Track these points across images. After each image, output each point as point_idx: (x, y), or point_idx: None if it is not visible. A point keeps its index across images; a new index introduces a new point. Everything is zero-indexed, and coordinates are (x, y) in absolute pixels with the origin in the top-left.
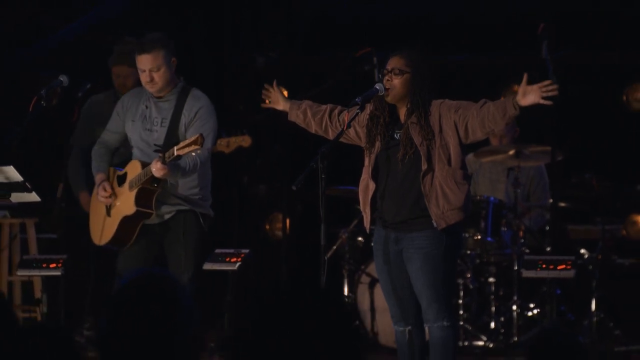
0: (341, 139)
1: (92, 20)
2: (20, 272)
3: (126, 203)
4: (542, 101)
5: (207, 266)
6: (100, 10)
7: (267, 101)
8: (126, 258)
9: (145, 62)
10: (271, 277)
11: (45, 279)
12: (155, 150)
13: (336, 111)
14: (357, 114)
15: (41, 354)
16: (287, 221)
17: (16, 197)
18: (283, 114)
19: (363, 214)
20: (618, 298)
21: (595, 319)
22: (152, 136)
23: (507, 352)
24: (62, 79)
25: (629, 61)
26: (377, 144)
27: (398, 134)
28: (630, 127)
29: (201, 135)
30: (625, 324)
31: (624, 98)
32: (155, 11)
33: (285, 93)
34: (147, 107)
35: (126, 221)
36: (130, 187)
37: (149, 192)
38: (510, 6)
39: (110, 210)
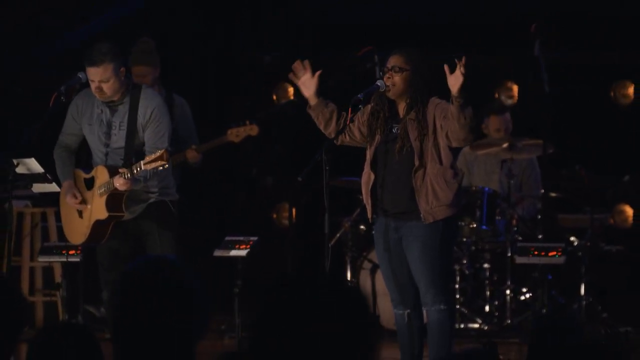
0: (347, 142)
1: (106, 21)
2: (41, 258)
3: (98, 208)
4: (460, 76)
5: (218, 253)
6: (112, 11)
7: (297, 75)
8: (104, 252)
9: (94, 74)
10: (278, 263)
11: (65, 264)
12: (125, 165)
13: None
14: (359, 109)
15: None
16: (293, 210)
17: (37, 188)
18: (287, 112)
19: (365, 204)
20: (606, 283)
21: (584, 302)
22: (112, 139)
23: (501, 334)
24: (80, 76)
25: (616, 60)
26: (377, 137)
27: (396, 128)
28: (617, 122)
29: (166, 150)
30: (612, 307)
31: (612, 94)
32: (165, 11)
33: (291, 90)
34: (102, 112)
35: (99, 224)
36: (100, 193)
37: (118, 196)
38: (505, 8)
39: (82, 212)
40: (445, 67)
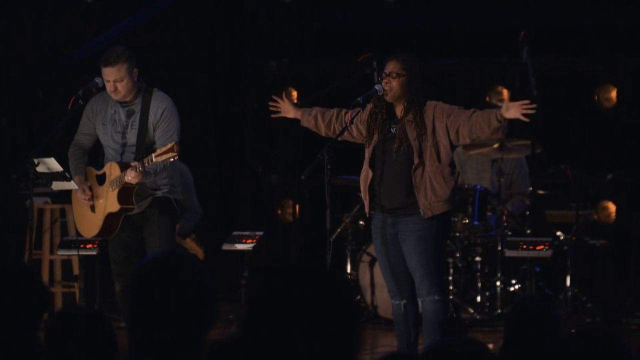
0: (346, 138)
1: (119, 30)
2: (60, 252)
3: (110, 201)
4: (521, 117)
5: (226, 246)
6: (125, 21)
7: (277, 112)
8: (115, 246)
9: (109, 74)
10: (282, 256)
11: (83, 258)
12: (136, 158)
13: (342, 113)
14: (359, 111)
15: (79, 336)
16: (297, 207)
17: (57, 185)
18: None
19: (363, 200)
20: (590, 275)
21: (569, 293)
22: (124, 138)
23: (491, 323)
24: (97, 80)
25: (600, 65)
26: (375, 137)
27: (394, 129)
28: (600, 123)
29: (176, 143)
30: (596, 298)
31: (595, 97)
32: (179, 20)
33: (295, 93)
34: (115, 112)
35: (111, 216)
36: (112, 187)
37: (129, 190)
38: (495, 18)
39: (94, 207)
40: (506, 93)
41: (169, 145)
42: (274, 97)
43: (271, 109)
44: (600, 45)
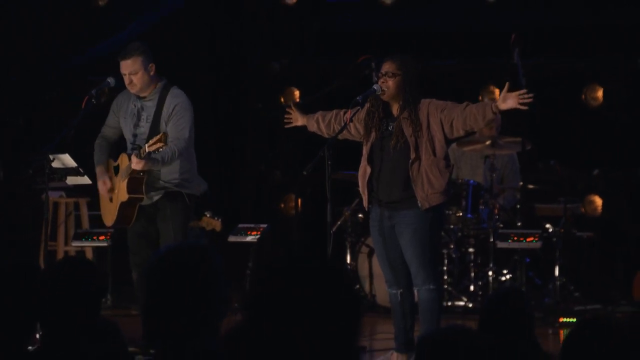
0: (346, 136)
1: (128, 33)
2: (74, 243)
3: (121, 191)
4: (519, 106)
5: (232, 239)
6: (133, 24)
7: (289, 123)
8: (131, 236)
9: (125, 66)
10: (285, 248)
11: (96, 249)
12: (133, 148)
13: (340, 113)
14: (358, 110)
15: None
16: (299, 201)
17: (71, 180)
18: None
19: (362, 194)
20: (577, 265)
21: (558, 283)
22: (140, 131)
23: None
24: (109, 80)
25: (587, 66)
26: (373, 135)
27: (391, 126)
28: (588, 121)
29: (164, 133)
30: (583, 287)
31: (583, 97)
32: (186, 23)
33: (297, 93)
34: (135, 106)
35: (124, 206)
36: (122, 178)
37: (138, 180)
38: (495, 18)
39: (111, 197)
40: (507, 85)
41: (158, 136)
42: (287, 109)
43: (285, 120)
44: (588, 47)
